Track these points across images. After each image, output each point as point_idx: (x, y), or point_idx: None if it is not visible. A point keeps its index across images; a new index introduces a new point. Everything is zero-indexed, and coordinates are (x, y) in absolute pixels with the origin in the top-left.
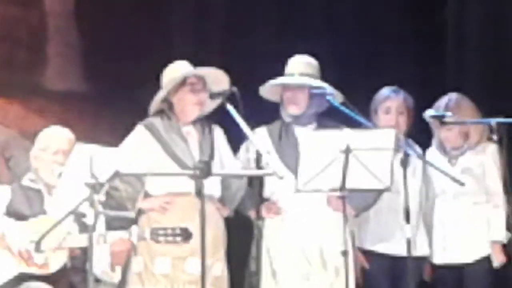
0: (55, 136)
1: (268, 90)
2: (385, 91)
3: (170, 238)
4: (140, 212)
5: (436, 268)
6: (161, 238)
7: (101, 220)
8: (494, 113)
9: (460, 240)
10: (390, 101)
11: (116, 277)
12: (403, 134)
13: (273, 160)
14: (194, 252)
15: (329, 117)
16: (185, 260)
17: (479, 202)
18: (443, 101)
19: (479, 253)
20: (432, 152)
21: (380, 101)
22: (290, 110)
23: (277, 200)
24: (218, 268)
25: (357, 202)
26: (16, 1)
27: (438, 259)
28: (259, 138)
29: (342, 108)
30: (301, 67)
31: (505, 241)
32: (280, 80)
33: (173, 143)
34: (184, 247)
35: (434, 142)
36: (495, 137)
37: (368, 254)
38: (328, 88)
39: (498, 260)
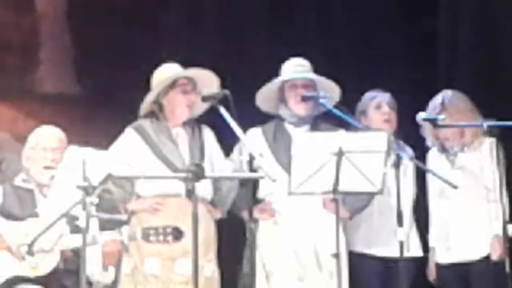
0: (44, 134)
1: (268, 93)
2: (370, 93)
3: (161, 238)
4: (131, 213)
5: (440, 268)
6: (152, 238)
7: (94, 222)
8: (487, 114)
9: (464, 238)
10: (380, 97)
11: (108, 277)
12: (392, 134)
13: (265, 162)
14: (185, 253)
15: (324, 119)
16: (175, 261)
17: (480, 198)
18: (438, 99)
19: (483, 250)
20: (433, 154)
21: (368, 100)
22: (298, 110)
23: (272, 201)
24: (209, 269)
25: (351, 204)
26: (9, 5)
27: (442, 259)
28: (253, 138)
29: (336, 111)
30: (299, 68)
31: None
32: (293, 75)
33: (162, 145)
34: (174, 248)
35: (430, 143)
36: (487, 139)
37: (361, 257)
38: (333, 88)
39: (496, 253)
